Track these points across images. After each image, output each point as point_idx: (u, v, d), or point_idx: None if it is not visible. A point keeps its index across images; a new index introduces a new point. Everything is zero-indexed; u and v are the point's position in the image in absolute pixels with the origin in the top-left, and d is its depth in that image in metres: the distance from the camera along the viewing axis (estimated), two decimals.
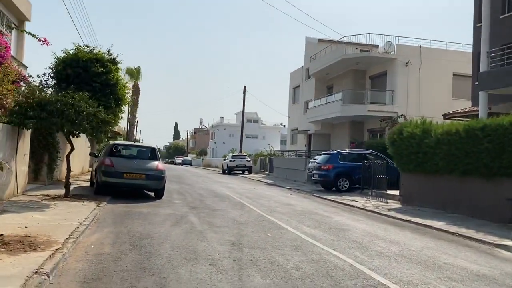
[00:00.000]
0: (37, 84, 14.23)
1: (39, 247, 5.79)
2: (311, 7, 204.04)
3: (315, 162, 21.25)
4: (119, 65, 17.28)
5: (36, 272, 4.72)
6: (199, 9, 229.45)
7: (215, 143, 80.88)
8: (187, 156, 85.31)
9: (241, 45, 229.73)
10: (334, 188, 19.30)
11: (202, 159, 74.50)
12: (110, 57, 16.75)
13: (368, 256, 6.80)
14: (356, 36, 28.52)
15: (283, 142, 63.29)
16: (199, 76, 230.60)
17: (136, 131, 62.10)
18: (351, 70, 28.90)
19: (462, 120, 17.35)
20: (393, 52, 25.98)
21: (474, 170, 11.73)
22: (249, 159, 38.20)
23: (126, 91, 17.53)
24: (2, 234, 6.36)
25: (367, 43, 28.42)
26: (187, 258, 6.03)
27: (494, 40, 17.72)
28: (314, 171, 20.55)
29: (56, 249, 5.79)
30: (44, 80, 15.53)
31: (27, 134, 12.25)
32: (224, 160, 40.65)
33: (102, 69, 15.84)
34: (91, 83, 15.62)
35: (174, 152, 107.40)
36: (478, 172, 11.62)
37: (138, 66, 43.60)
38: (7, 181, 10.52)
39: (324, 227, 9.54)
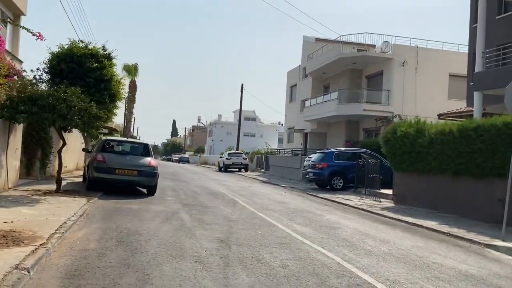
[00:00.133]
0: (31, 79, 14.15)
1: (23, 242, 5.74)
2: (309, 6, 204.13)
3: (310, 160, 21.24)
4: (114, 61, 17.16)
5: (16, 267, 4.66)
6: (197, 7, 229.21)
7: (212, 140, 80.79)
8: (185, 153, 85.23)
9: (239, 43, 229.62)
10: (328, 187, 19.28)
11: (199, 156, 74.45)
12: (105, 53, 16.64)
13: (357, 255, 6.77)
14: (353, 35, 28.53)
15: (280, 140, 63.31)
16: (198, 74, 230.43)
17: (133, 127, 62.12)
18: (347, 70, 28.86)
19: (456, 120, 17.33)
20: (390, 52, 25.96)
21: (467, 170, 11.71)
22: (245, 157, 38.18)
23: (121, 87, 17.42)
24: None
25: (364, 42, 28.41)
26: (173, 255, 5.98)
27: (489, 40, 17.71)
28: (308, 170, 20.54)
29: (40, 244, 5.73)
30: (38, 75, 15.41)
31: (19, 129, 12.18)
32: (221, 157, 40.61)
33: (96, 64, 15.74)
34: (85, 79, 15.51)
35: (171, 149, 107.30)
36: (470, 172, 11.61)
37: (136, 63, 43.60)
38: None
39: (315, 225, 9.51)
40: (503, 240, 8.42)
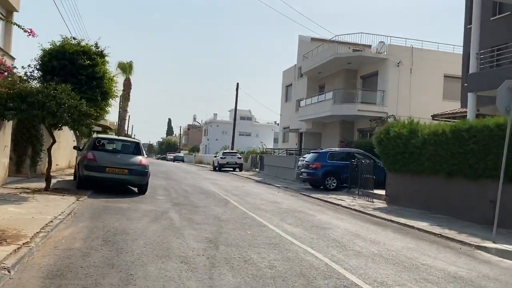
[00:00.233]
0: (21, 75, 14.00)
1: (5, 241, 5.62)
2: (305, 6, 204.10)
3: (304, 160, 21.18)
4: (107, 58, 17.03)
5: None
6: (193, 5, 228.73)
7: (208, 139, 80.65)
8: (180, 152, 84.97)
9: (236, 42, 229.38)
10: (322, 187, 19.23)
11: (194, 155, 74.26)
12: (97, 50, 16.48)
13: (345, 256, 6.70)
14: (348, 35, 28.50)
15: (276, 140, 63.22)
16: (194, 73, 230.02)
17: (128, 126, 61.89)
18: (343, 70, 28.82)
19: (449, 121, 17.32)
20: (385, 52, 25.94)
21: (459, 171, 11.68)
22: (240, 156, 38.07)
23: (114, 85, 17.27)
24: None
25: (360, 42, 28.39)
26: (159, 255, 5.89)
27: (484, 41, 17.72)
28: (302, 170, 20.49)
29: (23, 243, 5.62)
30: (29, 72, 15.25)
31: (8, 126, 12.04)
32: (215, 157, 40.47)
33: (88, 61, 15.57)
34: (77, 76, 15.35)
35: (166, 148, 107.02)
36: (463, 173, 11.58)
37: (131, 61, 43.39)
38: None
39: (305, 225, 9.44)
40: (494, 242, 8.38)
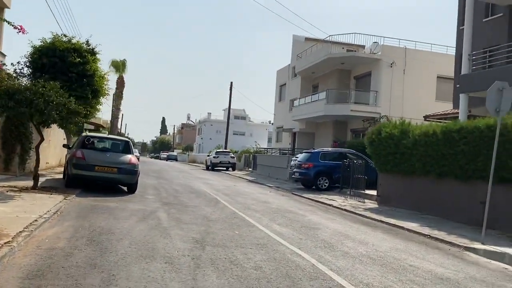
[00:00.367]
0: (11, 72, 13.86)
1: None
2: (300, 6, 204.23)
3: (296, 160, 21.14)
4: (98, 56, 16.93)
5: None
6: (187, 5, 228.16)
7: (201, 139, 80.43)
8: (173, 151, 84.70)
9: (231, 41, 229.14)
10: (314, 187, 19.20)
11: (188, 154, 74.06)
12: (88, 48, 16.37)
13: (333, 257, 6.65)
14: (342, 35, 28.41)
15: (270, 139, 63.19)
16: (188, 71, 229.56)
17: (121, 124, 61.60)
18: (336, 70, 28.81)
19: (441, 122, 17.34)
20: (379, 53, 25.94)
21: (450, 172, 11.68)
22: (233, 155, 37.98)
23: (105, 83, 17.15)
24: None
25: (354, 43, 28.38)
26: (144, 256, 5.80)
27: (476, 43, 17.75)
28: (295, 169, 20.45)
29: (5, 243, 5.52)
30: (19, 69, 15.11)
31: None
32: (208, 156, 40.34)
33: (79, 59, 15.46)
34: (67, 73, 15.24)
35: (160, 147, 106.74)
36: (453, 174, 11.58)
37: (124, 59, 43.18)
38: None
39: (295, 226, 9.38)
40: (483, 243, 8.37)
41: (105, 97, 17.60)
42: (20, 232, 6.26)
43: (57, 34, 16.29)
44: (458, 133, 11.29)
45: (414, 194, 13.23)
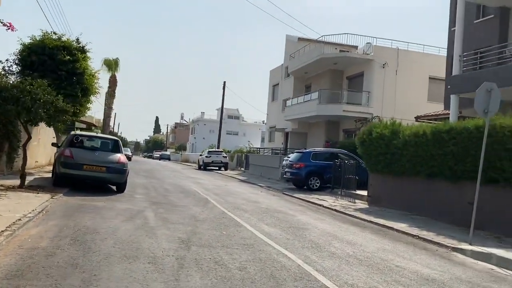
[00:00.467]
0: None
1: None
2: (294, 6, 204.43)
3: (288, 160, 21.12)
4: (89, 54, 16.79)
5: None
6: (181, 5, 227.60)
7: (195, 138, 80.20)
8: (166, 150, 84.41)
9: (224, 41, 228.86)
10: (305, 187, 19.18)
11: (181, 154, 73.83)
12: (78, 45, 16.23)
13: (319, 257, 6.61)
14: (335, 36, 28.49)
15: (263, 139, 63.18)
16: (182, 71, 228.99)
17: (113, 123, 61.29)
18: (329, 70, 28.83)
19: (431, 122, 17.38)
20: (371, 54, 25.98)
21: (439, 173, 11.69)
22: (225, 155, 37.89)
23: (95, 81, 17.02)
24: None
25: (346, 43, 28.41)
26: (127, 256, 5.73)
27: (468, 44, 17.81)
28: (286, 169, 20.42)
29: None
30: (7, 67, 14.95)
31: None
32: (201, 155, 40.22)
33: (69, 57, 15.32)
34: (56, 71, 15.09)
35: (153, 146, 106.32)
36: (443, 175, 11.58)
37: (117, 57, 42.88)
38: None
39: (283, 226, 9.34)
40: (470, 244, 8.38)
41: (95, 95, 17.46)
42: (2, 231, 6.17)
43: (46, 32, 16.16)
44: (447, 134, 11.30)
45: (404, 195, 13.24)
